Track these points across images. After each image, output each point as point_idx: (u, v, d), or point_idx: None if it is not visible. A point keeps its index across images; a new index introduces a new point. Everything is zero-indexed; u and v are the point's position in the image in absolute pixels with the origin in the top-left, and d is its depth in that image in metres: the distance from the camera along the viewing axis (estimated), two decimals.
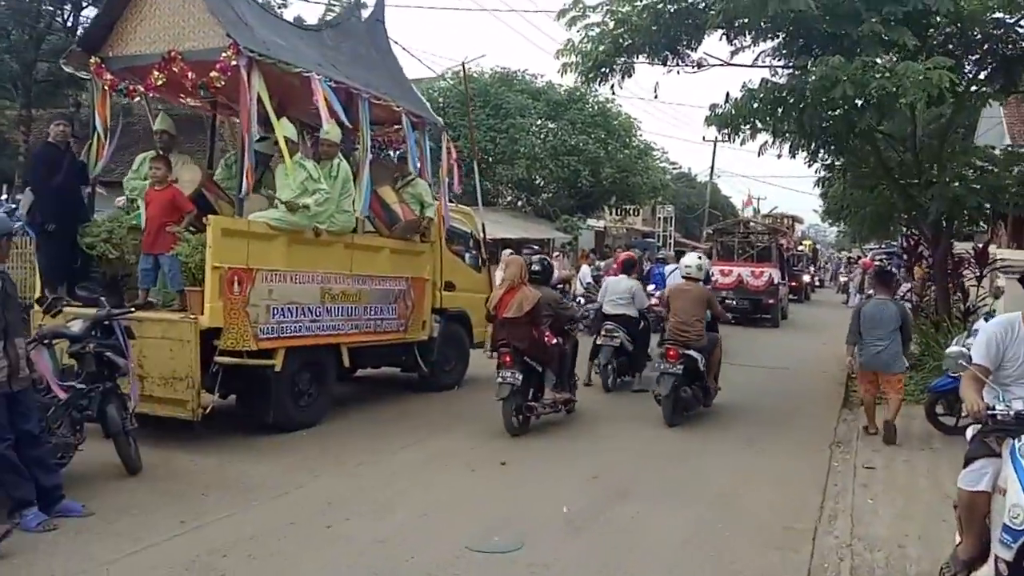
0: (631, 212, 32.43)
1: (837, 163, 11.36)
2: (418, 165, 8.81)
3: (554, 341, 7.56)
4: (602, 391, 9.57)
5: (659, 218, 34.13)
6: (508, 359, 7.08)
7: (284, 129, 6.89)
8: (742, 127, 9.91)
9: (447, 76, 23.11)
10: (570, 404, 7.89)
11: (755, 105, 9.53)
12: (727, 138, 10.08)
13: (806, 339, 16.56)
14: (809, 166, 11.91)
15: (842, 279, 32.93)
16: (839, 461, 6.77)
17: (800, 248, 28.83)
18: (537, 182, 25.65)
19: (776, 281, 18.80)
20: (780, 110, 9.56)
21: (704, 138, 35.63)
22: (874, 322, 7.42)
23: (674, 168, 40.43)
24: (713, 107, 9.93)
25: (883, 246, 31.08)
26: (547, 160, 24.23)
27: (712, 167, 39.23)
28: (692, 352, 7.85)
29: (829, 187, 16.42)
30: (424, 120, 8.87)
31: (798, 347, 15.31)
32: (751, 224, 22.67)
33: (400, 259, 8.37)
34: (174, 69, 6.68)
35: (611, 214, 31.77)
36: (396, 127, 8.81)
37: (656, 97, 11.40)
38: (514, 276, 7.37)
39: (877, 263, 21.12)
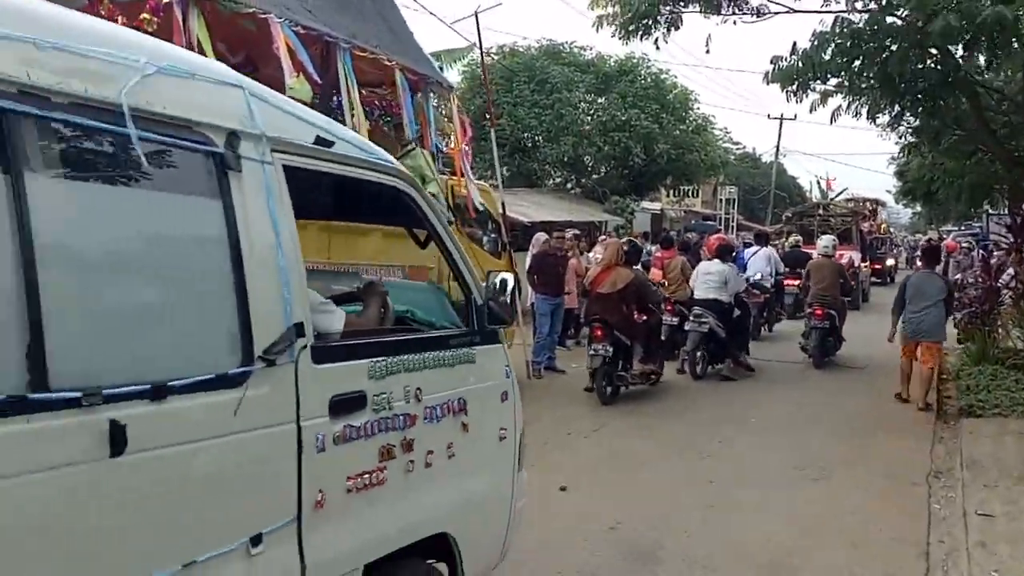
0: (689, 193, 30.50)
1: (928, 126, 9.48)
2: (418, 132, 7.41)
3: (643, 318, 8.26)
4: (691, 378, 9.43)
5: (720, 199, 32.02)
6: (600, 332, 7.82)
7: None
8: (811, 83, 8.30)
9: (491, 51, 21.77)
10: (656, 376, 8.57)
11: (827, 55, 7.89)
12: (794, 98, 8.45)
13: (887, 324, 14.65)
14: (892, 129, 10.11)
15: (919, 263, 29.97)
16: (941, 502, 5.20)
17: (884, 232, 28.74)
18: (586, 160, 24.05)
19: (856, 263, 18.71)
20: (859, 59, 7.87)
21: (769, 115, 33.53)
22: (920, 292, 8.03)
23: (738, 148, 38.15)
24: (776, 60, 8.36)
25: (962, 228, 29.58)
26: (596, 137, 22.64)
27: (778, 146, 36.86)
28: (832, 311, 10.24)
29: (908, 162, 15.09)
30: (424, 79, 7.48)
31: (879, 335, 13.53)
32: (831, 207, 23.92)
33: (394, 244, 6.99)
34: (101, 13, 5.42)
35: (668, 195, 29.89)
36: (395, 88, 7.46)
37: (708, 52, 9.83)
38: (611, 257, 8.24)
39: (965, 245, 19.78)
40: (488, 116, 10.84)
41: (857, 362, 10.46)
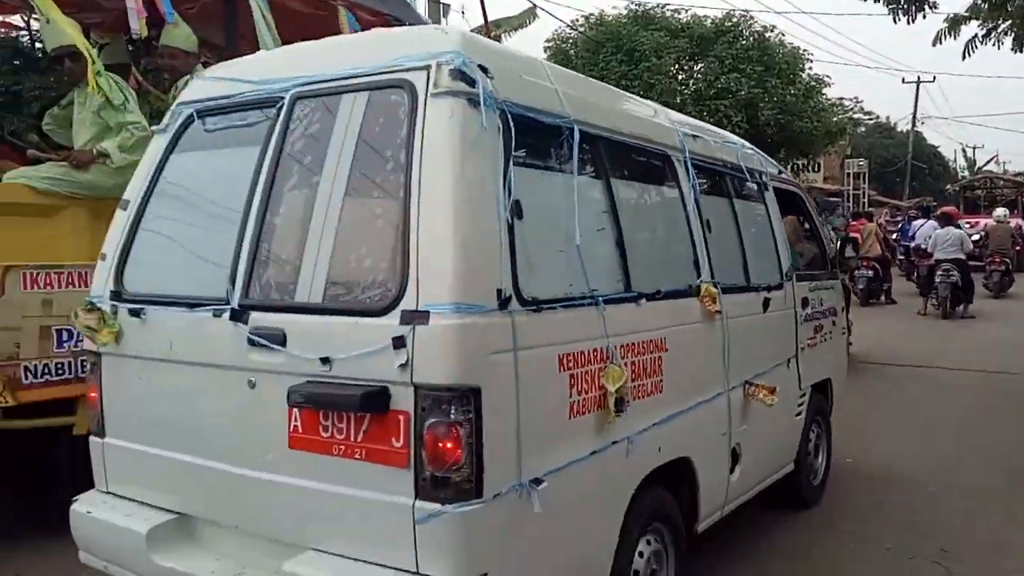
0: (806, 167, 30.93)
1: None
2: None
3: None
4: (937, 318, 16.28)
5: (848, 174, 32.43)
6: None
7: (65, 25, 5.50)
8: None
9: (576, 21, 23.21)
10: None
11: None
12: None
13: None
14: None
15: None
16: None
17: None
18: None
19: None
20: None
21: (904, 79, 33.93)
22: None
23: (869, 118, 38.34)
24: None
25: None
26: (689, 107, 23.42)
27: (914, 113, 37.05)
28: (1007, 259, 19.67)
29: None
30: (386, 20, 7.27)
31: None
32: (996, 180, 31.31)
33: None
34: None
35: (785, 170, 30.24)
36: None
37: None
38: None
39: None
40: None
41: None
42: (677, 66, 25.13)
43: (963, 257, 16.17)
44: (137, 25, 5.88)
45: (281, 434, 3.00)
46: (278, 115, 3.28)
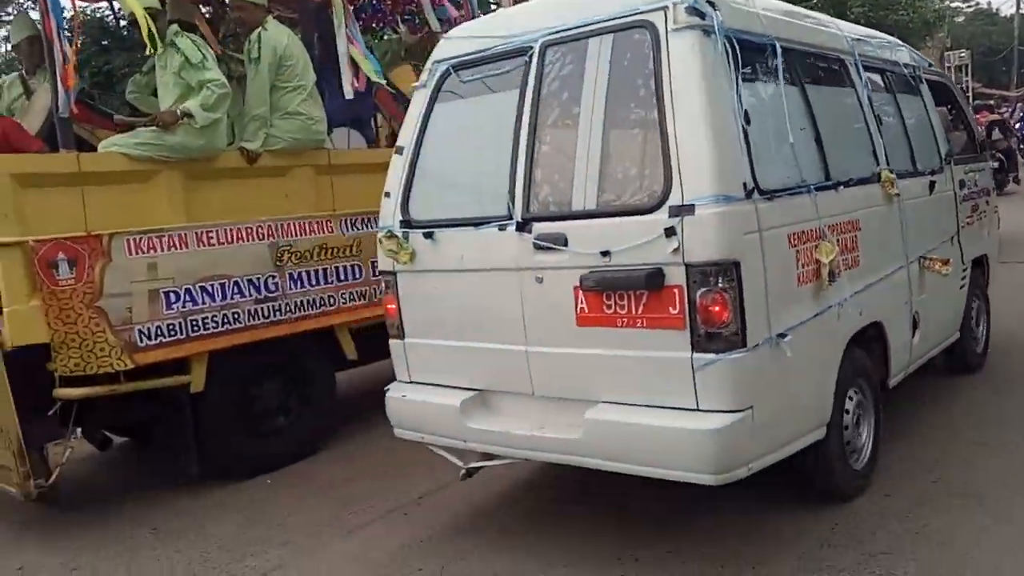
0: None
1: None
2: (452, 16, 7.37)
3: None
4: None
5: (949, 67, 31.63)
6: None
7: None
8: None
9: None
10: None
11: None
12: None
13: None
14: None
15: None
16: None
17: None
18: None
19: None
20: None
21: None
22: None
23: (968, 6, 37.24)
24: None
25: None
26: None
27: None
28: None
29: None
30: None
31: None
32: None
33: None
34: None
35: None
36: None
37: None
38: None
39: None
40: None
41: None
42: None
43: None
44: None
45: (568, 315, 3.83)
46: (530, 62, 4.05)
